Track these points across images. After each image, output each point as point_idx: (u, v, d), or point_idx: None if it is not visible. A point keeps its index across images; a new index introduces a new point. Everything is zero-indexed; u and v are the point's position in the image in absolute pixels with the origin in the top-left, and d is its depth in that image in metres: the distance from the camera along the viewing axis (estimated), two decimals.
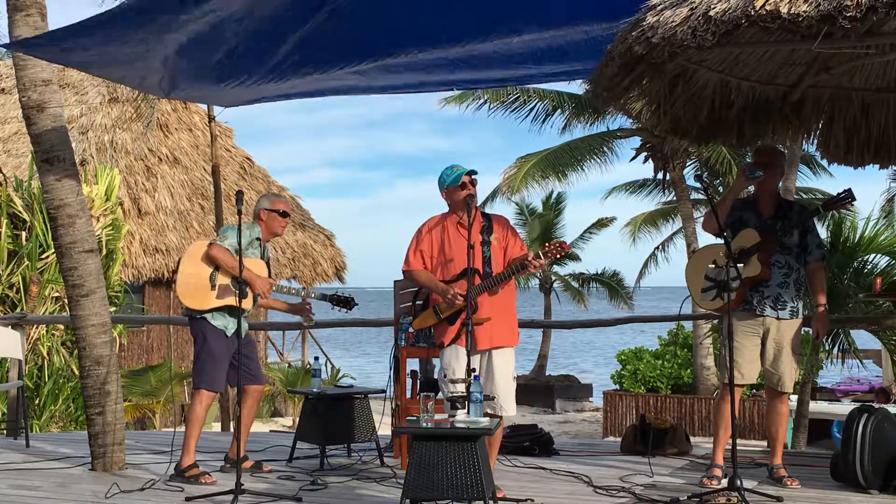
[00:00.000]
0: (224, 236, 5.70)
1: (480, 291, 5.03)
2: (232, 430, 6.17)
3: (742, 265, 5.26)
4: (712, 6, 4.47)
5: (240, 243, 5.40)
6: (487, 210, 5.26)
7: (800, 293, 5.53)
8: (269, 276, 5.80)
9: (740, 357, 5.40)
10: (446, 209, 5.28)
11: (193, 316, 5.71)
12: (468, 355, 4.91)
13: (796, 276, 5.49)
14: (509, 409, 5.03)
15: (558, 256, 5.03)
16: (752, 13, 4.32)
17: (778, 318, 5.44)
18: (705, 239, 5.70)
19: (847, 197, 5.53)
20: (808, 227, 5.54)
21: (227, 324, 5.70)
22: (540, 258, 4.95)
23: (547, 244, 5.01)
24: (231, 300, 5.62)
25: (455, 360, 5.09)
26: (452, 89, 7.68)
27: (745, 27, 4.45)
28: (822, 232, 8.68)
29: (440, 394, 5.15)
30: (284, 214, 5.90)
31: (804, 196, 21.64)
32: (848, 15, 4.15)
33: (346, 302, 5.98)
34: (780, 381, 5.46)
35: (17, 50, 5.83)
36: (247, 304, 5.64)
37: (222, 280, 5.65)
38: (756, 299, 5.43)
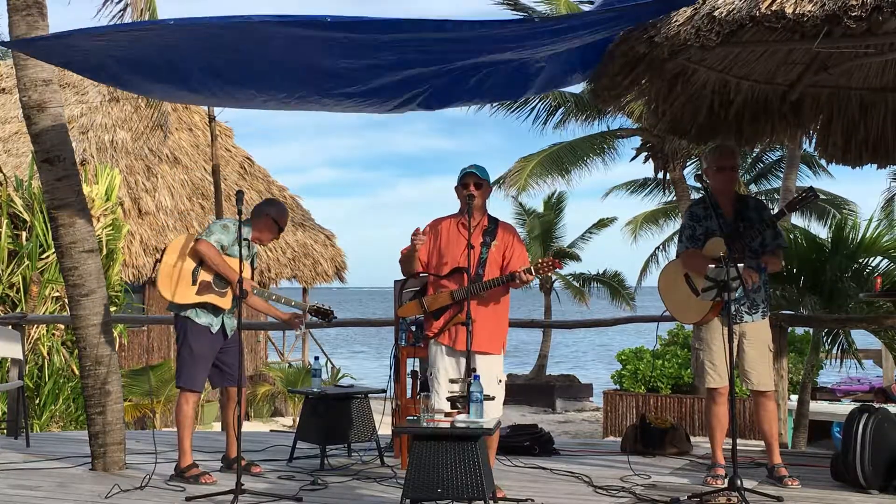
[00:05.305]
0: (210, 231, 5.68)
1: (465, 294, 5.00)
2: (225, 430, 6.16)
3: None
4: (717, 6, 4.44)
5: (239, 242, 5.40)
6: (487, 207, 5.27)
7: (767, 290, 5.59)
8: (252, 276, 5.77)
9: (718, 360, 5.42)
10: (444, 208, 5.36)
11: (178, 313, 5.69)
12: (468, 355, 4.92)
13: (765, 277, 5.53)
14: (494, 413, 5.00)
15: (549, 273, 5.13)
16: (757, 13, 4.29)
17: (753, 321, 5.48)
18: None
19: (809, 196, 5.47)
20: (765, 219, 5.51)
21: (211, 321, 5.69)
22: (531, 273, 4.97)
23: (540, 260, 5.08)
24: (210, 297, 5.62)
25: (440, 359, 5.12)
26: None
27: (750, 27, 4.44)
28: (823, 232, 8.61)
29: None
30: (281, 230, 5.92)
31: None
32: (853, 15, 4.13)
33: (324, 314, 5.95)
34: (760, 380, 5.48)
35: (19, 49, 5.82)
36: (226, 302, 5.65)
37: (205, 276, 5.63)
38: (734, 308, 5.41)
